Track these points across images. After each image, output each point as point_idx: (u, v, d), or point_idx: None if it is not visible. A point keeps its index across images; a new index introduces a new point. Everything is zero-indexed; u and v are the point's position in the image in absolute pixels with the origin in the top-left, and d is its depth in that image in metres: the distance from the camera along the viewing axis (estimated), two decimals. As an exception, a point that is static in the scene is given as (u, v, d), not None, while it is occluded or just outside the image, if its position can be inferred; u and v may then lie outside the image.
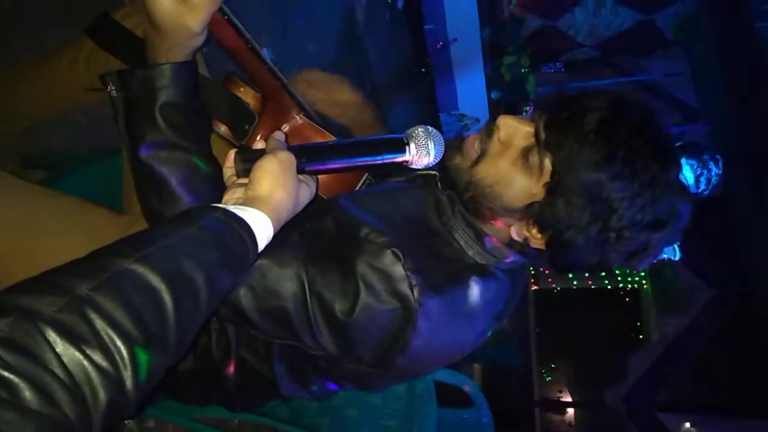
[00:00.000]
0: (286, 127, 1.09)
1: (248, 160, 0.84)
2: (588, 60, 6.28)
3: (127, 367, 0.52)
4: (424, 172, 1.03)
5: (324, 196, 1.05)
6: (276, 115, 1.08)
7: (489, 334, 1.03)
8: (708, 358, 5.53)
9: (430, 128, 0.90)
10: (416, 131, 0.90)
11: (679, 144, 0.91)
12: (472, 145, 0.93)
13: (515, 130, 0.90)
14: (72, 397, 0.47)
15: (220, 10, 0.85)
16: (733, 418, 5.34)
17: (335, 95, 1.24)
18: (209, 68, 1.17)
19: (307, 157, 0.85)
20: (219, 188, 0.90)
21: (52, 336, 0.48)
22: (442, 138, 0.91)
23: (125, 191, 1.20)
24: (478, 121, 4.55)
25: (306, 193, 0.86)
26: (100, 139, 1.55)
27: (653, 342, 6.01)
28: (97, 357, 0.50)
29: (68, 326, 0.49)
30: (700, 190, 2.49)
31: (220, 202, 0.85)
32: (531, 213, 0.88)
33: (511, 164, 0.89)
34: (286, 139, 0.89)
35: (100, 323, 0.51)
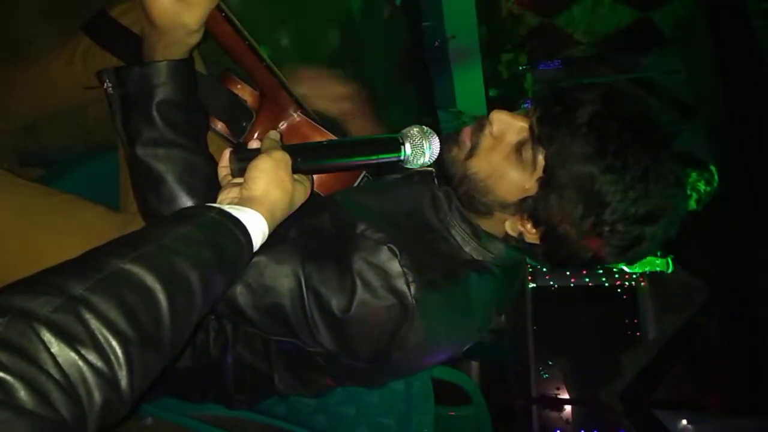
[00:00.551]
0: (283, 125, 1.08)
1: (243, 159, 0.84)
2: (585, 57, 6.28)
3: (122, 367, 0.52)
4: (421, 168, 1.03)
5: (321, 193, 1.05)
6: (274, 112, 1.08)
7: (487, 329, 1.03)
8: (705, 356, 5.54)
9: (425, 128, 0.90)
10: (411, 131, 0.90)
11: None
12: (467, 137, 0.93)
13: (508, 125, 0.90)
14: (67, 397, 0.47)
15: (219, 7, 0.85)
16: (730, 415, 5.35)
17: (326, 90, 1.24)
18: (207, 65, 1.16)
19: (302, 157, 0.85)
20: (216, 186, 0.90)
21: (47, 336, 0.48)
22: (437, 138, 0.91)
23: (122, 189, 1.20)
24: (475, 118, 4.54)
25: (301, 193, 0.86)
26: (98, 137, 1.54)
27: (650, 340, 6.01)
28: (92, 357, 0.50)
29: (63, 326, 0.49)
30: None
31: (215, 198, 0.85)
32: (525, 208, 0.89)
33: (504, 159, 0.89)
34: (284, 137, 0.89)
35: (95, 323, 0.51)
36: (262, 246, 0.79)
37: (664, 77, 6.01)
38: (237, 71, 1.09)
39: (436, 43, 4.41)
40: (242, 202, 0.79)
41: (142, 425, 1.22)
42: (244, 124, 1.07)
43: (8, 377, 0.45)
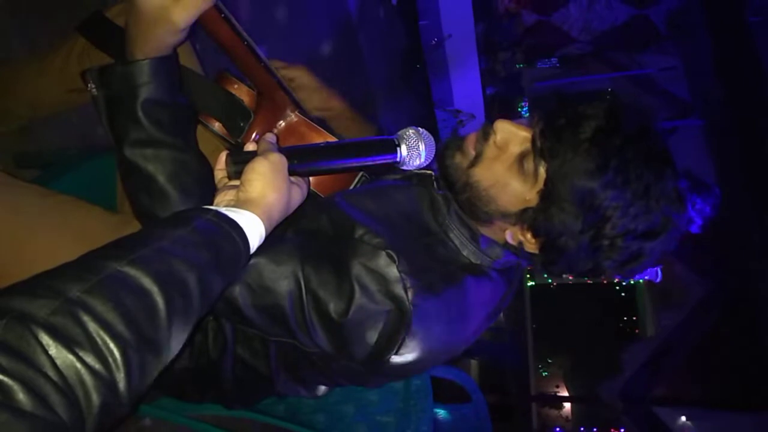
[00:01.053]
0: (281, 125, 1.08)
1: (239, 162, 0.84)
2: (582, 55, 6.28)
3: (120, 370, 0.52)
4: (420, 171, 1.03)
5: (320, 194, 1.05)
6: (271, 112, 1.07)
7: (482, 332, 1.03)
8: (704, 353, 5.55)
9: (421, 130, 0.90)
10: (407, 133, 0.90)
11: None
12: (471, 145, 0.93)
13: (511, 135, 0.90)
14: (65, 399, 0.47)
15: (217, 7, 0.85)
16: (729, 411, 5.37)
17: (296, 82, 1.23)
18: (203, 65, 1.16)
19: (298, 159, 0.85)
20: (208, 183, 0.89)
21: (45, 339, 0.48)
22: (432, 139, 0.91)
23: (119, 190, 1.19)
24: (473, 116, 4.55)
25: (298, 195, 0.86)
26: (94, 137, 1.54)
27: (649, 337, 6.02)
28: (90, 360, 0.50)
29: (61, 329, 0.49)
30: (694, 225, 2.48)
31: (210, 197, 0.85)
32: (525, 218, 0.89)
33: (507, 169, 0.89)
34: (282, 137, 0.89)
35: (92, 326, 0.51)
36: (260, 247, 0.79)
37: (660, 74, 6.01)
38: (233, 71, 1.08)
39: (433, 41, 4.41)
40: (239, 204, 0.78)
41: (140, 425, 1.22)
42: (241, 124, 1.06)
43: (6, 379, 0.45)
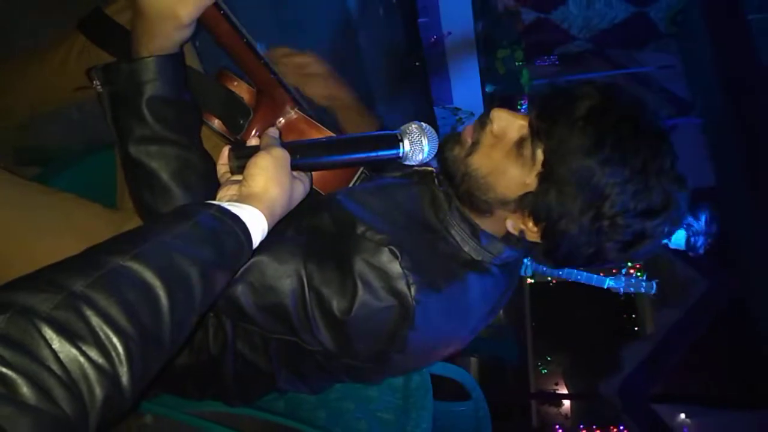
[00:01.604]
0: (281, 122, 1.08)
1: (242, 156, 0.84)
2: (582, 53, 6.29)
3: (123, 364, 0.52)
4: (421, 168, 1.03)
5: (321, 192, 1.05)
6: (271, 109, 1.08)
7: (480, 328, 1.03)
8: (702, 351, 5.56)
9: (424, 124, 0.90)
10: (410, 127, 0.90)
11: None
12: (469, 134, 0.93)
13: (508, 123, 0.90)
14: (69, 393, 0.48)
15: (216, 4, 0.85)
16: (727, 409, 5.38)
17: (304, 69, 1.23)
18: (202, 62, 1.16)
19: (301, 154, 0.85)
20: (211, 181, 0.90)
21: (48, 333, 0.48)
22: (435, 135, 0.91)
23: (119, 187, 1.20)
24: (472, 114, 4.55)
25: (300, 190, 0.86)
26: (95, 134, 1.54)
27: (648, 334, 6.04)
28: (93, 354, 0.50)
29: (64, 323, 0.50)
30: (698, 247, 2.46)
31: (213, 195, 0.85)
32: (525, 204, 0.88)
33: (505, 155, 0.89)
34: (281, 134, 0.89)
35: (95, 320, 0.51)
36: (263, 245, 0.79)
37: (659, 72, 6.02)
38: (233, 68, 1.09)
39: (432, 39, 4.41)
40: (241, 199, 0.78)
41: (141, 422, 1.23)
42: (241, 122, 1.07)
43: (10, 373, 0.45)
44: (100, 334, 0.51)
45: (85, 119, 1.53)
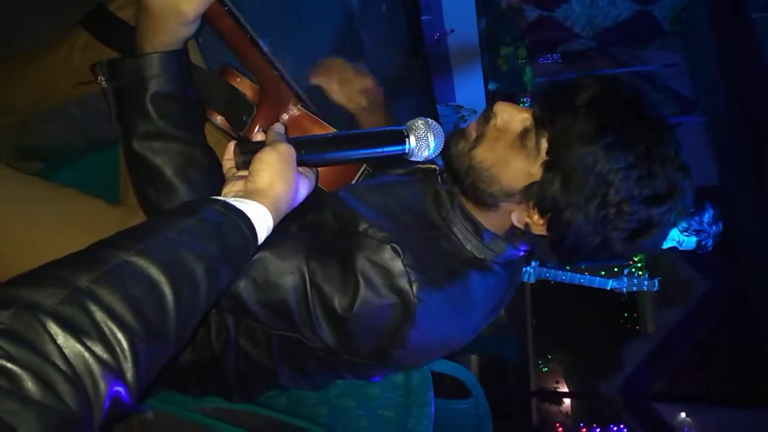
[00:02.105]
0: (284, 118, 1.08)
1: (248, 152, 0.84)
2: (585, 51, 6.27)
3: (128, 359, 0.52)
4: (424, 165, 1.03)
5: (324, 189, 1.05)
6: (274, 105, 1.07)
7: (483, 326, 1.03)
8: (704, 349, 5.55)
9: (430, 121, 0.90)
10: (416, 123, 0.90)
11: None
12: (473, 128, 0.93)
13: (511, 115, 0.90)
14: (74, 388, 0.48)
15: (220, 0, 0.85)
16: (728, 408, 5.38)
17: (356, 83, 1.22)
18: (205, 59, 1.16)
19: (306, 149, 0.85)
20: (216, 177, 0.90)
21: (53, 328, 0.48)
22: (441, 131, 0.91)
23: (122, 183, 1.20)
24: (475, 112, 4.53)
25: (306, 186, 0.86)
26: (97, 130, 1.54)
27: (649, 333, 6.03)
28: (98, 349, 0.50)
29: (69, 318, 0.50)
30: (707, 248, 2.46)
31: (217, 192, 0.85)
32: (531, 195, 0.88)
33: (509, 147, 0.89)
34: (285, 131, 0.89)
35: (100, 315, 0.51)
36: (267, 241, 0.79)
37: (663, 70, 6.00)
38: (236, 65, 1.09)
39: (435, 36, 4.39)
40: (247, 194, 0.78)
41: (143, 418, 1.23)
42: (244, 118, 1.07)
43: (15, 368, 0.45)
44: (105, 329, 0.51)
45: (86, 116, 1.53)
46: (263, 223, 0.76)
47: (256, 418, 1.29)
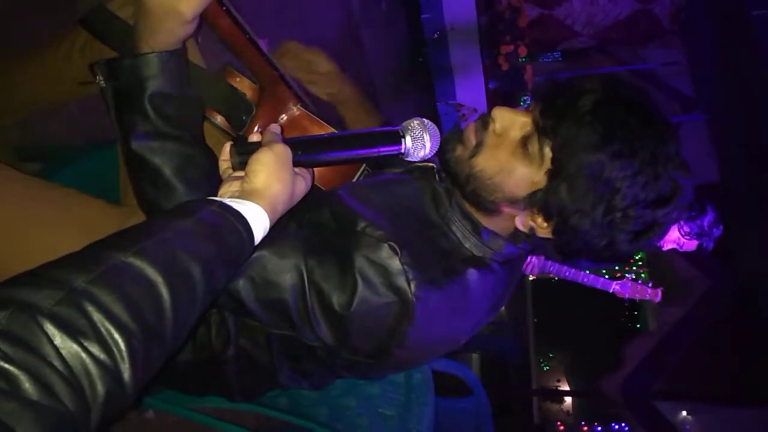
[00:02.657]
0: (283, 118, 1.08)
1: (244, 152, 0.84)
2: (585, 49, 6.26)
3: (125, 360, 0.52)
4: (422, 164, 1.03)
5: (322, 188, 1.05)
6: (273, 105, 1.08)
7: (482, 325, 1.03)
8: (705, 348, 5.55)
9: (425, 121, 0.90)
10: (412, 124, 0.90)
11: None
12: (472, 135, 0.93)
13: (511, 121, 0.90)
14: (71, 389, 0.48)
15: (219, 0, 0.85)
16: (729, 406, 5.37)
17: (311, 66, 1.22)
18: (205, 59, 1.16)
19: (302, 150, 0.85)
20: (214, 177, 0.90)
21: (50, 329, 0.48)
22: (437, 131, 0.91)
23: (122, 182, 1.19)
24: (475, 110, 4.53)
25: (302, 186, 0.86)
26: (97, 130, 1.54)
27: (650, 331, 6.03)
28: (95, 350, 0.50)
29: (66, 319, 0.50)
30: (708, 248, 2.46)
31: (216, 191, 0.85)
32: (535, 201, 0.88)
33: (510, 155, 0.89)
34: (283, 131, 0.89)
35: (97, 316, 0.51)
36: (265, 240, 0.79)
37: (664, 69, 5.99)
38: (235, 64, 1.08)
39: (435, 35, 4.39)
40: (243, 195, 0.79)
41: (143, 418, 1.23)
42: (243, 118, 1.07)
43: (12, 369, 0.45)
44: (102, 330, 0.51)
45: (86, 116, 1.53)
46: (260, 223, 0.76)
47: (257, 418, 1.29)
